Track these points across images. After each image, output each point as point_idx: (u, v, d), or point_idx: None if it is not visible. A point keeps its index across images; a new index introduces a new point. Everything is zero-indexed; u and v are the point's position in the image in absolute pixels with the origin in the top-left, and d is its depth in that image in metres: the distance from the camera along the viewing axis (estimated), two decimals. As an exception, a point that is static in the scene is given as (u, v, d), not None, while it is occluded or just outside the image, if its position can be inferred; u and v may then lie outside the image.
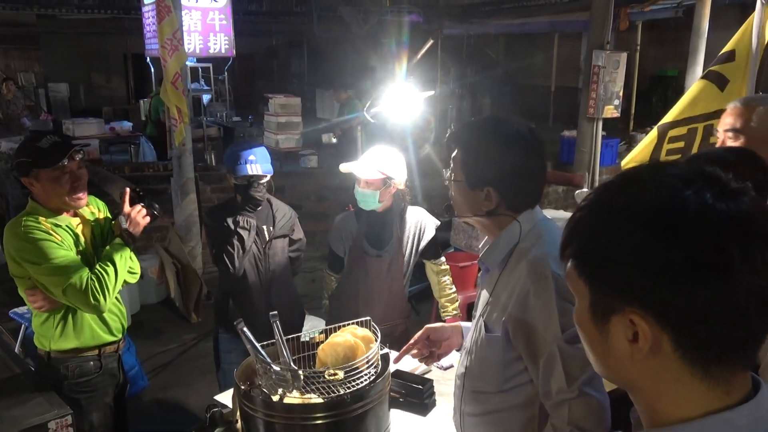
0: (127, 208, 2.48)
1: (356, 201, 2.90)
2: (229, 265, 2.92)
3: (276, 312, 1.92)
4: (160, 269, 5.58)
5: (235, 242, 2.91)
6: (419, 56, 3.31)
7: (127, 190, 2.51)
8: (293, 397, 1.80)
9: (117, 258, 2.40)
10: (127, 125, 10.36)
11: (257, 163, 2.88)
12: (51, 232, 2.33)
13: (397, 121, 3.40)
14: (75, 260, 2.33)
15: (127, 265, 2.46)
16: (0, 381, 2.38)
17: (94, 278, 2.31)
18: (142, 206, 2.50)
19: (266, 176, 2.92)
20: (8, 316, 4.49)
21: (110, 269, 2.37)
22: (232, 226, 2.92)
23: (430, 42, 3.56)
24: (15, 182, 2.48)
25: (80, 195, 2.40)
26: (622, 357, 0.76)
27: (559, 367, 1.43)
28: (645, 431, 0.79)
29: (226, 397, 2.24)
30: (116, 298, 2.54)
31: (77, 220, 2.48)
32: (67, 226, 2.41)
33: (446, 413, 2.15)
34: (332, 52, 13.74)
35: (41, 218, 2.35)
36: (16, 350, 2.50)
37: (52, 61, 15.32)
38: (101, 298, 2.31)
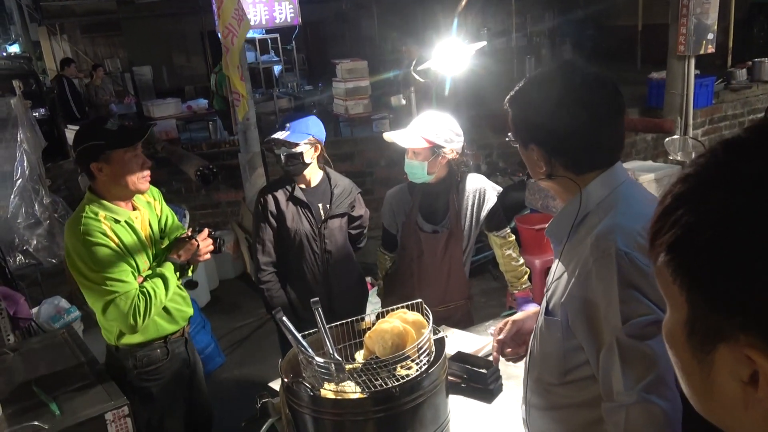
0: (199, 239, 2.46)
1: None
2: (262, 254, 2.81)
3: (317, 299, 1.78)
4: (236, 245, 5.64)
5: (288, 224, 2.77)
6: (463, 4, 3.00)
7: (206, 230, 2.51)
8: (327, 390, 1.66)
9: (170, 276, 2.36)
10: (204, 102, 10.57)
11: (289, 130, 2.67)
12: (109, 233, 2.24)
13: (444, 78, 3.13)
14: (125, 274, 2.23)
15: (175, 285, 2.41)
16: (64, 370, 2.40)
17: (141, 297, 2.24)
18: (213, 242, 2.50)
19: (297, 144, 2.65)
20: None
21: (160, 290, 2.31)
22: (281, 207, 2.77)
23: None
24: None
25: (147, 176, 2.36)
26: (730, 401, 0.52)
27: (617, 365, 1.20)
28: None
29: (279, 384, 2.15)
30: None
31: (136, 213, 2.40)
32: (126, 221, 2.33)
33: (515, 399, 1.94)
34: (402, 10, 13.37)
35: (101, 214, 2.26)
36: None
37: (135, 45, 15.84)
38: (140, 320, 2.25)
